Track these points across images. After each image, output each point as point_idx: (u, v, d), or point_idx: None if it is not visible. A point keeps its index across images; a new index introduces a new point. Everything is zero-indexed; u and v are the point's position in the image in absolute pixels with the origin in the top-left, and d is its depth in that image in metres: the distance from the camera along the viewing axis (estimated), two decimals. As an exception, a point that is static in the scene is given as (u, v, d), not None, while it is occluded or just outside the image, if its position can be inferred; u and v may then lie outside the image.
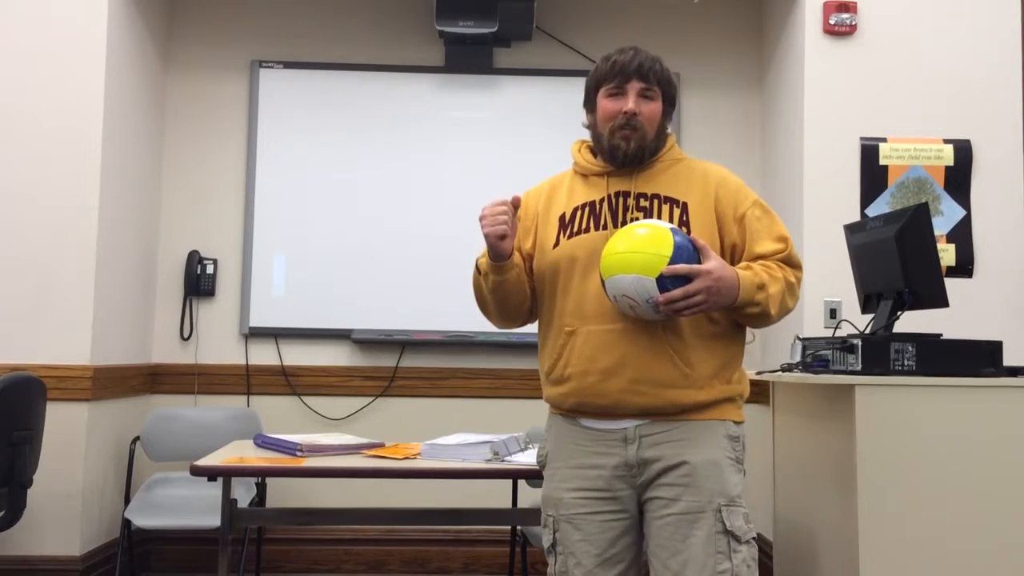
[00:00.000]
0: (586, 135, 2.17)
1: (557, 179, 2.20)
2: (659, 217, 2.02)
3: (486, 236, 2.01)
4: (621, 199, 2.06)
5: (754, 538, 1.98)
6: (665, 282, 1.86)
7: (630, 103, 2.03)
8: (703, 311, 1.91)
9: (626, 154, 2.04)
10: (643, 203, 2.04)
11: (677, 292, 1.86)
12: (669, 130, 2.15)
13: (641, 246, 1.88)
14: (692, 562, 1.90)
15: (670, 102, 2.11)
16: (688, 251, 1.90)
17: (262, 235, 4.21)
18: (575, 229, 2.07)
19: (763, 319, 2.01)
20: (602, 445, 2.01)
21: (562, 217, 2.10)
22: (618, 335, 1.97)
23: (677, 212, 2.03)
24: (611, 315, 1.97)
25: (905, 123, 3.73)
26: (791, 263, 2.07)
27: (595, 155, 2.14)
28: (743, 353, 2.10)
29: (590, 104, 2.13)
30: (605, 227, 2.04)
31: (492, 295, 2.10)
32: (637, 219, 2.02)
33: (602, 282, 1.93)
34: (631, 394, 1.96)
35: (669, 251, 1.87)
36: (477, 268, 2.11)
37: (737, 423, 2.05)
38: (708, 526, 1.92)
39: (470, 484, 3.23)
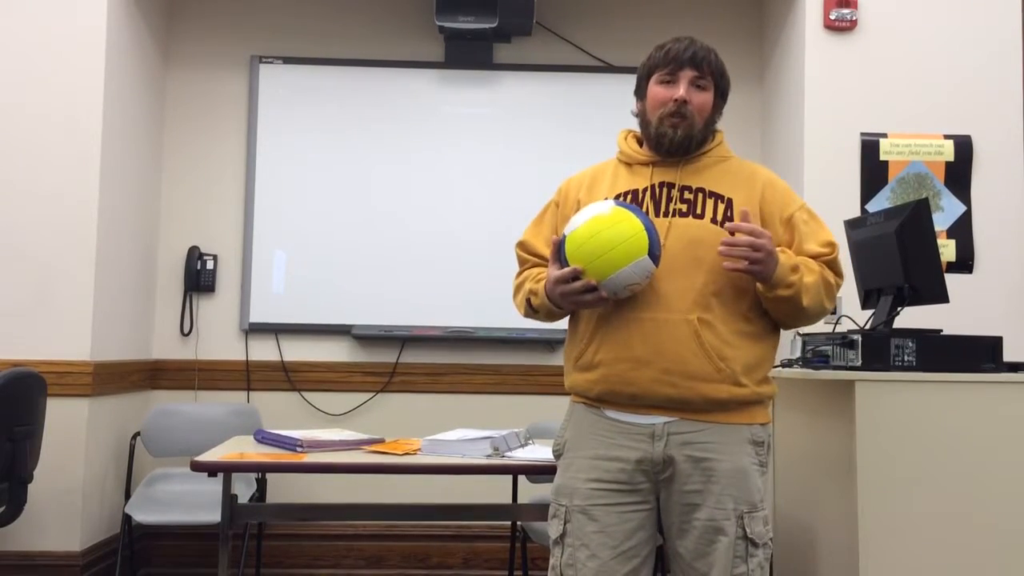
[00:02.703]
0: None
1: (600, 167, 2.19)
2: (703, 211, 2.02)
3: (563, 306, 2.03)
4: (665, 190, 2.05)
5: (771, 539, 2.00)
6: (655, 252, 1.90)
7: (681, 90, 2.02)
8: (750, 266, 1.90)
9: (672, 141, 2.03)
10: (687, 196, 2.03)
11: (746, 226, 1.88)
12: (719, 126, 2.14)
13: (614, 241, 1.89)
14: (716, 565, 1.94)
15: (722, 95, 2.11)
16: (635, 208, 1.96)
17: (262, 231, 4.21)
18: None
19: (795, 307, 1.99)
20: (626, 438, 1.99)
21: None
22: (653, 324, 1.96)
23: (722, 207, 2.02)
24: (647, 304, 1.96)
25: (905, 119, 3.73)
26: (834, 268, 2.08)
27: (641, 144, 2.13)
28: (775, 356, 2.09)
29: (640, 91, 2.12)
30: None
31: (546, 317, 2.13)
32: (680, 211, 2.02)
33: (595, 288, 1.93)
34: (661, 384, 1.95)
35: (632, 219, 1.90)
36: (531, 290, 2.10)
37: (763, 425, 2.05)
38: (731, 532, 1.94)
39: (470, 480, 3.24)
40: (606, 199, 2.03)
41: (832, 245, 2.08)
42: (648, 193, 2.05)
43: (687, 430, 1.97)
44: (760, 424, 2.04)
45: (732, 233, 1.92)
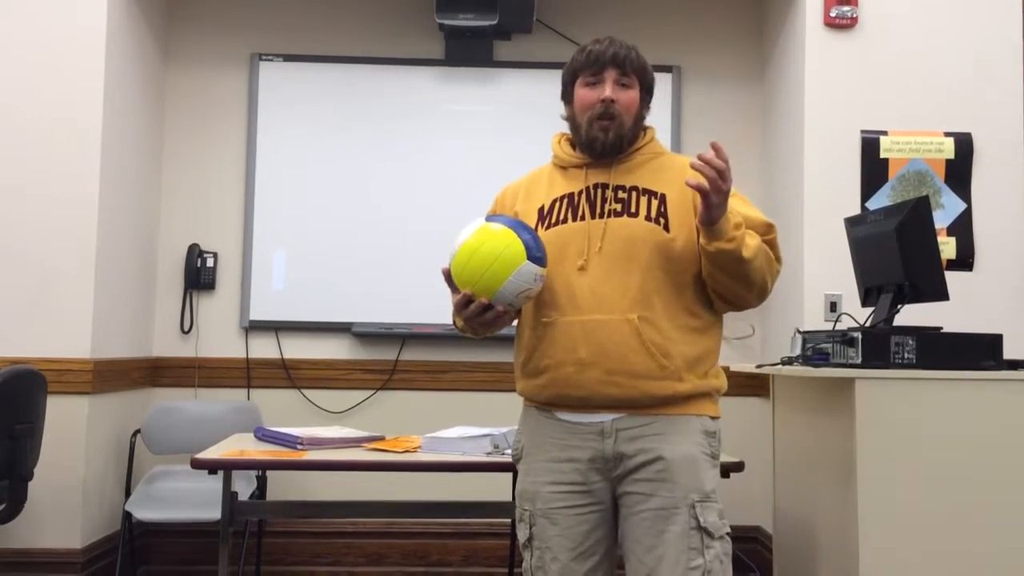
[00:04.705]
0: (565, 127, 2.18)
1: (536, 173, 2.22)
2: (637, 208, 2.02)
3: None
4: (599, 191, 2.07)
5: (728, 533, 1.98)
6: (535, 255, 1.92)
7: (607, 91, 2.04)
8: (713, 193, 1.84)
9: (604, 145, 2.05)
10: (621, 195, 2.05)
11: (725, 154, 1.84)
12: (649, 123, 2.15)
13: (491, 255, 1.91)
14: (666, 558, 1.92)
15: (648, 90, 2.11)
16: (507, 217, 2.00)
17: (262, 228, 4.21)
18: (553, 220, 2.08)
19: (736, 263, 1.93)
20: (577, 438, 2.01)
21: (541, 209, 2.11)
22: (596, 326, 1.97)
23: (655, 203, 2.03)
24: (588, 306, 1.98)
25: (906, 116, 3.73)
26: (774, 250, 2.05)
27: (574, 147, 2.14)
28: (719, 348, 2.10)
29: (567, 96, 2.13)
30: (582, 218, 2.04)
31: (478, 336, 2.15)
32: (615, 210, 2.03)
33: (490, 305, 1.95)
34: (607, 385, 1.96)
35: (503, 231, 1.92)
36: (454, 313, 2.11)
37: (713, 418, 2.05)
38: (682, 522, 1.92)
39: (470, 477, 3.23)
40: (486, 217, 2.05)
41: (770, 226, 2.06)
42: (583, 195, 2.07)
43: (634, 424, 1.99)
44: (709, 417, 2.04)
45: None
